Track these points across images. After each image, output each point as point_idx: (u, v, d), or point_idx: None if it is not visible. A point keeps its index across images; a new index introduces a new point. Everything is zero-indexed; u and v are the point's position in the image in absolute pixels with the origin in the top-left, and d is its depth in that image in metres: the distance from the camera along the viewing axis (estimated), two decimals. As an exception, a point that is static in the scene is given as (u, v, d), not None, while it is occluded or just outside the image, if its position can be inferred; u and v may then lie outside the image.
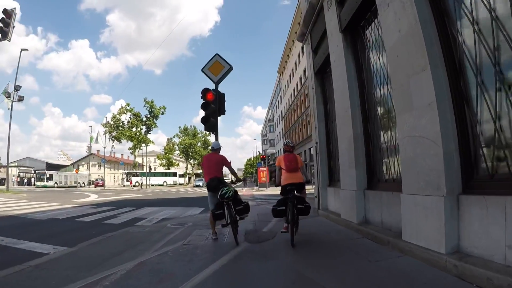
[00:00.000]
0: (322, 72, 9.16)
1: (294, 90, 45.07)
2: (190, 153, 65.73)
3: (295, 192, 5.44)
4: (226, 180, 6.42)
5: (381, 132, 5.76)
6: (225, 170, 6.37)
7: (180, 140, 66.76)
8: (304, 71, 37.75)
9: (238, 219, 5.63)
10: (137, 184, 54.99)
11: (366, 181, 6.13)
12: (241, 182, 7.54)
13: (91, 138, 51.99)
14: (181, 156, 68.92)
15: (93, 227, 7.99)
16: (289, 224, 5.26)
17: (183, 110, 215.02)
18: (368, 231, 5.36)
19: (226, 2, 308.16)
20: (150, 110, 57.45)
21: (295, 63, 43.58)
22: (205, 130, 9.24)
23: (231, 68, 9.52)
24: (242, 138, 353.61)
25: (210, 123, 9.01)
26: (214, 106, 9.01)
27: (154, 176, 63.42)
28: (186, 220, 8.74)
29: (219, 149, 6.58)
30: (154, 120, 58.76)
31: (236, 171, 6.82)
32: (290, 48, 46.32)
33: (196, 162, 68.04)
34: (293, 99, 45.86)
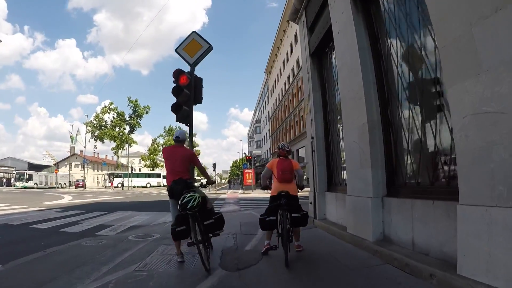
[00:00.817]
0: (320, 53, 7.61)
1: (282, 89, 43.90)
2: None
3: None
4: (196, 183, 4.87)
5: (410, 116, 4.23)
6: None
7: (164, 140, 65.04)
8: (293, 69, 36.69)
9: (209, 237, 4.06)
10: (119, 185, 52.92)
11: (385, 185, 4.59)
12: (212, 185, 5.87)
13: (72, 138, 50.78)
14: (165, 157, 66.81)
15: (46, 237, 6.80)
16: (281, 238, 4.14)
17: (168, 112, 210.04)
18: (392, 255, 3.80)
19: (214, 3, 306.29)
20: (134, 109, 55.75)
21: (283, 62, 42.48)
22: (176, 120, 7.56)
23: (210, 48, 7.88)
24: (229, 140, 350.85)
25: (183, 113, 7.33)
26: (188, 92, 7.39)
27: (138, 177, 61.47)
28: (155, 231, 7.20)
29: (185, 140, 4.98)
30: (138, 120, 56.96)
31: (208, 173, 5.27)
32: (278, 47, 45.12)
33: None
34: (281, 98, 44.64)
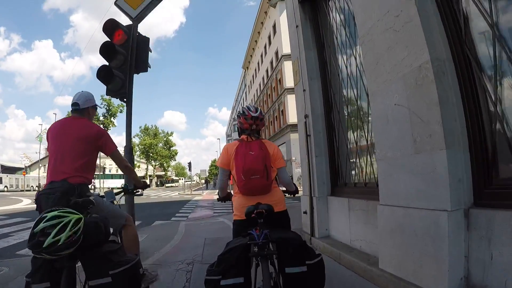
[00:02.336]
0: (314, -2, 5.27)
1: (260, 84, 41.93)
2: (151, 154, 62.09)
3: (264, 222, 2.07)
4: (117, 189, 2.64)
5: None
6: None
7: (140, 140, 62.71)
8: (271, 62, 34.67)
9: None
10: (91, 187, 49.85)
11: (471, 185, 2.34)
12: (141, 191, 3.39)
13: (40, 138, 48.01)
14: (141, 157, 64.17)
15: None
16: None
17: (147, 111, 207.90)
18: None
19: (192, 2, 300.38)
20: (107, 108, 52.77)
21: (261, 55, 40.49)
22: (107, 94, 5.12)
23: (160, -4, 5.50)
24: (208, 140, 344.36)
25: (115, 82, 4.90)
26: (125, 53, 4.98)
27: (112, 178, 58.65)
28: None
29: (87, 109, 2.61)
30: (112, 119, 54.02)
31: (136, 172, 2.91)
32: (256, 41, 43.00)
33: (157, 163, 64.67)
34: (259, 93, 42.58)
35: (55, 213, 1.57)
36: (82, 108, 2.61)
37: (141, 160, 70.00)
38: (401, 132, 2.68)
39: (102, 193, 3.02)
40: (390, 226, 2.83)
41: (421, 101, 2.46)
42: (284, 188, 2.65)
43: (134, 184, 2.89)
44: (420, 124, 2.46)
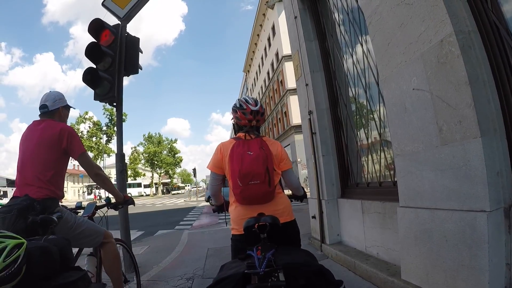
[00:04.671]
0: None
1: (261, 87, 41.62)
2: (156, 162, 61.14)
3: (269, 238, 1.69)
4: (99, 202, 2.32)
5: None
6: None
7: (144, 148, 62.05)
8: (272, 64, 34.36)
9: None
10: (98, 197, 50.03)
11: (510, 178, 1.94)
12: (127, 205, 3.03)
13: None
14: (146, 165, 64.11)
15: None
16: None
17: (150, 121, 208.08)
18: None
19: (191, 9, 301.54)
20: (110, 118, 52.85)
21: (262, 57, 40.18)
22: (95, 99, 4.79)
23: (149, -7, 5.19)
24: (212, 145, 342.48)
25: (103, 86, 4.59)
26: (112, 54, 4.67)
27: (129, 187, 57.68)
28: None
29: (57, 110, 2.25)
30: (115, 129, 53.98)
31: (109, 180, 2.52)
32: (256, 43, 42.72)
33: (162, 171, 63.78)
34: (261, 96, 42.13)
35: None
36: (52, 110, 2.27)
37: (146, 169, 70.06)
38: (423, 121, 2.29)
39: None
40: (414, 232, 2.43)
41: (446, 82, 2.07)
42: (290, 192, 2.28)
43: (116, 198, 2.53)
44: (447, 109, 2.07)
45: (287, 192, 2.41)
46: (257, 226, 1.66)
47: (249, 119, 2.02)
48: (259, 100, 2.13)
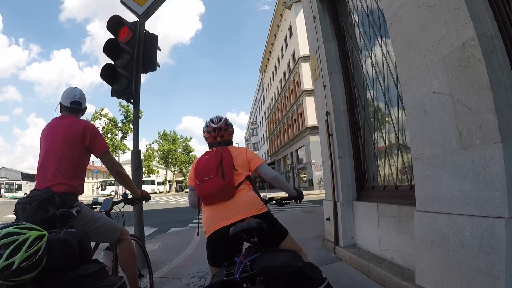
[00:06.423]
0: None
1: (277, 87, 41.58)
2: (170, 159, 61.60)
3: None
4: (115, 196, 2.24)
5: None
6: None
7: (159, 146, 62.58)
8: (288, 64, 34.32)
9: None
10: (112, 193, 50.68)
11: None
12: (146, 201, 3.10)
13: None
14: (160, 162, 64.83)
15: None
16: None
17: (166, 118, 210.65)
18: None
19: (208, 9, 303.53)
20: (126, 114, 53.63)
21: (278, 58, 40.23)
22: (112, 95, 4.87)
23: (168, -10, 5.28)
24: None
25: (121, 82, 4.66)
26: (130, 51, 4.75)
27: (144, 184, 58.77)
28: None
29: (82, 109, 2.33)
30: (130, 125, 54.84)
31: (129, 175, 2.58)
32: (272, 44, 42.75)
33: (176, 169, 64.37)
34: (277, 97, 42.21)
35: (10, 229, 1.24)
36: (75, 108, 2.35)
37: (160, 166, 70.82)
38: (442, 125, 2.26)
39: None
40: (430, 236, 2.40)
41: (467, 85, 2.05)
42: (283, 194, 2.39)
43: (133, 193, 2.60)
44: (467, 113, 2.05)
45: (282, 195, 2.45)
46: (236, 235, 1.65)
47: (213, 136, 2.26)
48: (224, 117, 2.33)
